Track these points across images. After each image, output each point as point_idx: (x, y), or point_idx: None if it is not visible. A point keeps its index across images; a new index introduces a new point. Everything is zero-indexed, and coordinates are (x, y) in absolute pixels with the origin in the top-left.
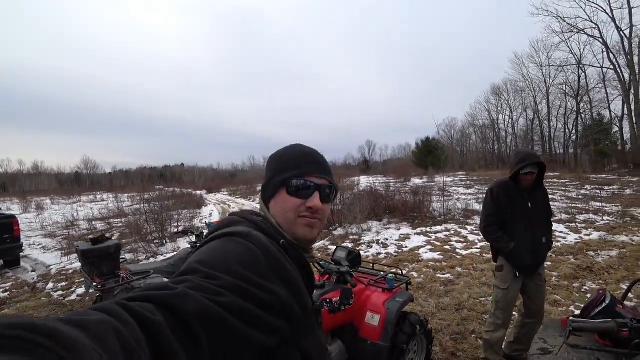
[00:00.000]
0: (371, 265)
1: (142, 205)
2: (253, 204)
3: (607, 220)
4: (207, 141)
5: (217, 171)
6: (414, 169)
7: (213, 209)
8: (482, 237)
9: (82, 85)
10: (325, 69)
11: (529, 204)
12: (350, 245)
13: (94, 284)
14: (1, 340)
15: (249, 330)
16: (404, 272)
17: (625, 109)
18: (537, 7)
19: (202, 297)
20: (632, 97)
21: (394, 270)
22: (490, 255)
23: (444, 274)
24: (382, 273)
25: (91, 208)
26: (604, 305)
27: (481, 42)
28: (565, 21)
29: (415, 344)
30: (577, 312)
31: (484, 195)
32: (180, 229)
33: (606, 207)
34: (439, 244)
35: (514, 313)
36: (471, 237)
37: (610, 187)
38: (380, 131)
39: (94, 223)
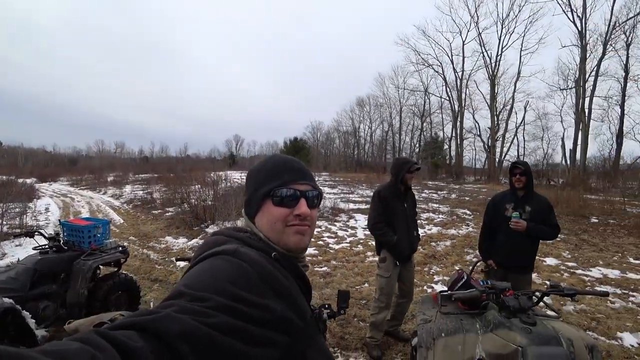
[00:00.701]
0: None
1: None
2: (104, 198)
3: (441, 217)
4: (38, 117)
5: (53, 155)
6: None
7: (50, 202)
8: (350, 232)
9: None
10: (197, 56)
11: (405, 204)
12: None
13: None
14: None
15: (244, 347)
16: None
17: (453, 132)
18: (401, 38)
19: (189, 319)
20: (458, 123)
21: None
22: (359, 248)
23: (321, 267)
24: None
25: None
26: (463, 280)
27: (352, 57)
28: (419, 55)
29: None
30: (429, 290)
31: (370, 198)
32: (6, 228)
33: (440, 207)
34: (312, 239)
35: None
36: (340, 233)
37: (442, 192)
38: (248, 128)
39: None
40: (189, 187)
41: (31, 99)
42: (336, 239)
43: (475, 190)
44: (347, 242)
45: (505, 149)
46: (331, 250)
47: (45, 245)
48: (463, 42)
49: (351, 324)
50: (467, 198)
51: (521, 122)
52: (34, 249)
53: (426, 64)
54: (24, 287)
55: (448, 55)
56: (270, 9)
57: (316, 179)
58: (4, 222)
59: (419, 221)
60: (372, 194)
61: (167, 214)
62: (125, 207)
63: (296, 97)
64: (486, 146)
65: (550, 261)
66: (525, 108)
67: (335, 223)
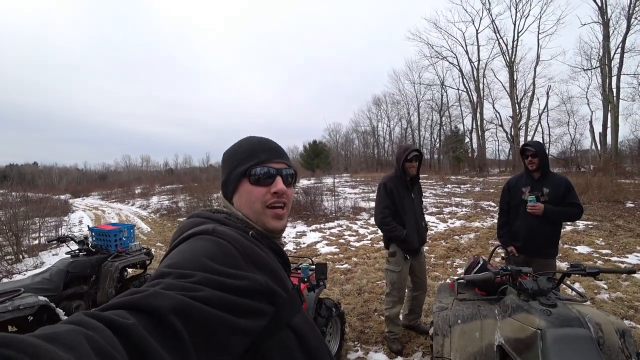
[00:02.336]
0: None
1: None
2: (132, 209)
3: (465, 211)
4: (69, 136)
5: (84, 172)
6: (302, 170)
7: (83, 215)
8: (371, 229)
9: None
10: (214, 67)
11: (412, 195)
12: None
13: None
14: None
15: (233, 318)
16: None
17: (474, 124)
18: (412, 32)
19: (178, 295)
20: (478, 115)
21: (307, 261)
22: (380, 245)
23: (342, 265)
24: (295, 264)
25: None
26: (479, 265)
27: (365, 56)
28: (433, 48)
29: (331, 327)
30: None
31: (376, 190)
32: (44, 239)
33: (463, 201)
34: (333, 238)
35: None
36: (362, 231)
37: (465, 185)
38: (267, 134)
39: None
40: (211, 195)
41: (67, 119)
42: (357, 237)
43: (500, 182)
44: (368, 240)
45: (529, 138)
46: (352, 248)
47: (76, 250)
48: (477, 30)
49: (372, 319)
50: (491, 190)
51: (544, 108)
52: (66, 253)
53: (440, 57)
54: (58, 287)
55: (462, 46)
56: (276, 14)
57: (337, 181)
58: (42, 235)
59: (441, 215)
60: None
61: None
62: (153, 216)
63: (312, 101)
64: (509, 136)
65: (582, 249)
66: (547, 93)
67: (357, 222)
